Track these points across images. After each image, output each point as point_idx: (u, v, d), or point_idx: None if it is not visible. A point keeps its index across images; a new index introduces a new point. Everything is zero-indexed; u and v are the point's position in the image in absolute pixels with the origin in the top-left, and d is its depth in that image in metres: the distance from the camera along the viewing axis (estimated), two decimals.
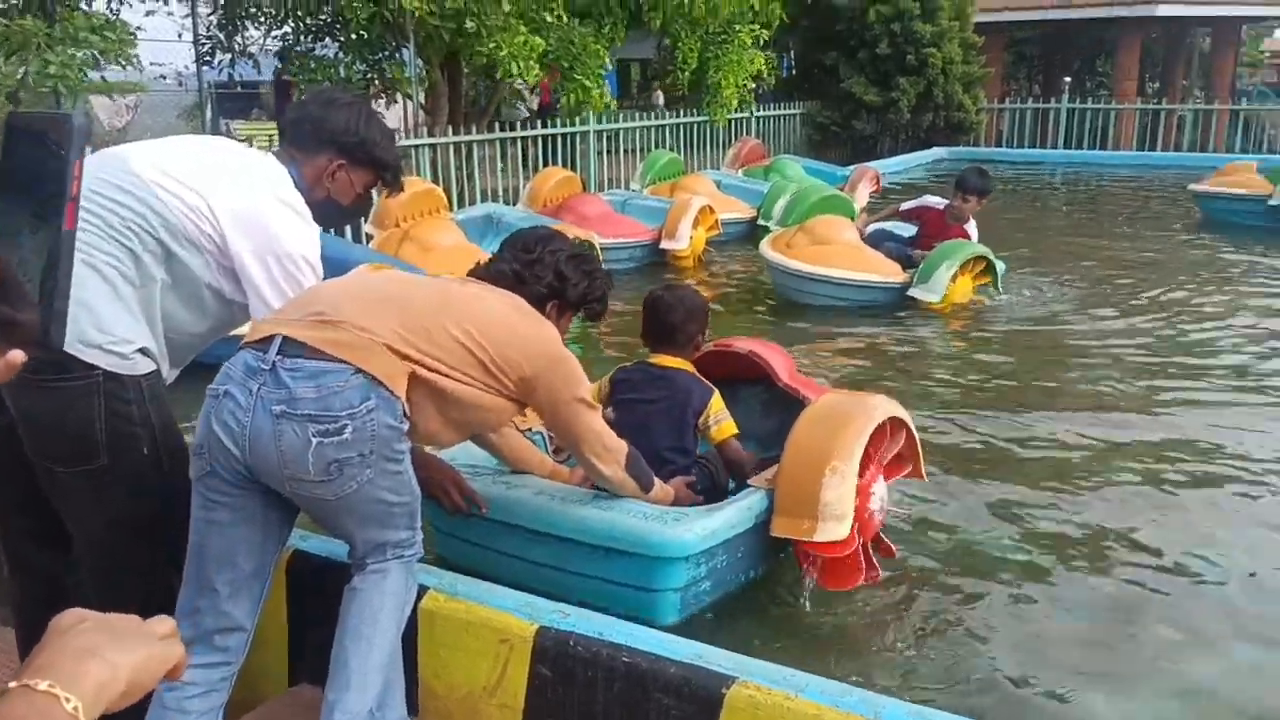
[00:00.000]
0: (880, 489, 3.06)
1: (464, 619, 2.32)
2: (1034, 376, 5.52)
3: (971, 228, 6.99)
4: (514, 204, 9.16)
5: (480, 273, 2.51)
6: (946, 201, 6.99)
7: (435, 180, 9.30)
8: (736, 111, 13.55)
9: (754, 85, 13.77)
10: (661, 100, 17.23)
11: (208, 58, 11.35)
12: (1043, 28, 20.38)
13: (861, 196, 11.68)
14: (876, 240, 7.19)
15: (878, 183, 12.02)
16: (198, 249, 2.16)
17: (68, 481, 2.09)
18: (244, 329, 2.24)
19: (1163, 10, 17.38)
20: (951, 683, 2.77)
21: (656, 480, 2.80)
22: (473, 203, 9.50)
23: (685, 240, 8.25)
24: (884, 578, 3.11)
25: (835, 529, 2.84)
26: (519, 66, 8.67)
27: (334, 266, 6.25)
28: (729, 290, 7.50)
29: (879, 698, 1.95)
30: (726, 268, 8.69)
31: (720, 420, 3.22)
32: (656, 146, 12.39)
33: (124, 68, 7.82)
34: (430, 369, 2.10)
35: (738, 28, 11.93)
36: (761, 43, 12.38)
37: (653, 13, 10.94)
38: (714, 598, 2.93)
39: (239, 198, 2.20)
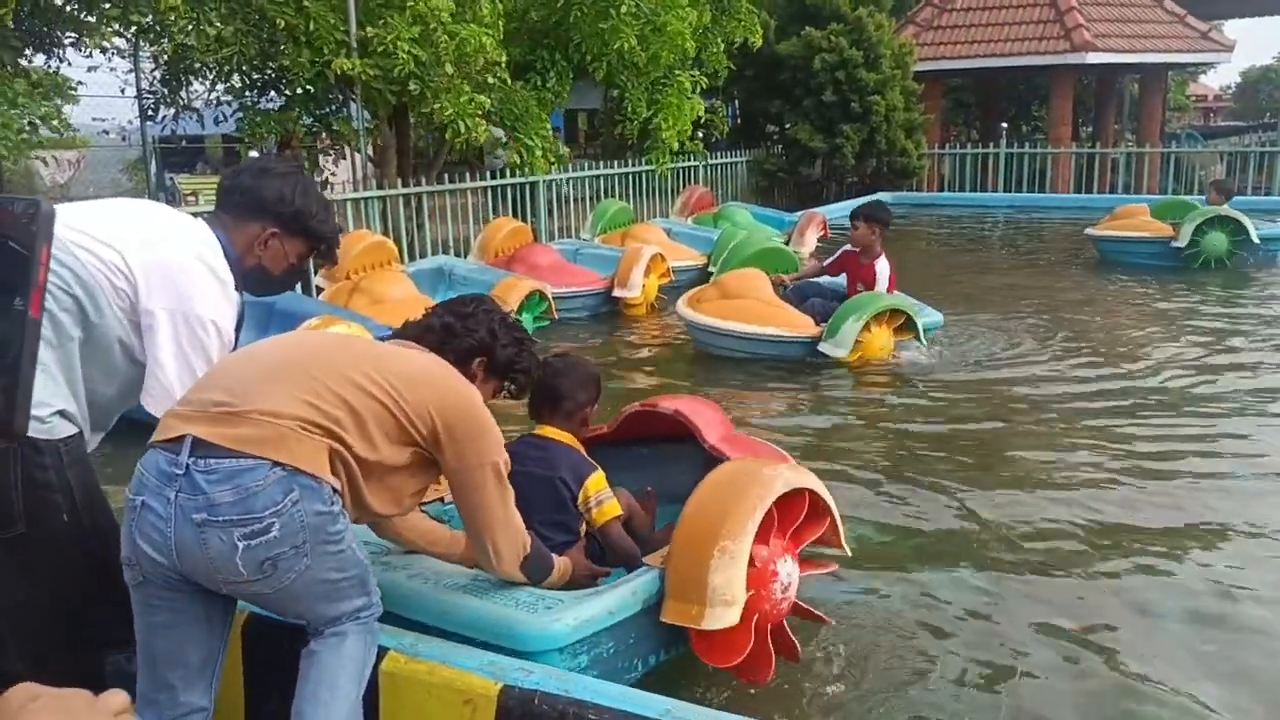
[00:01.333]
0: (787, 568, 2.83)
1: (426, 680, 2.28)
2: (972, 427, 5.52)
3: (883, 266, 6.83)
4: (465, 255, 9.17)
5: (409, 329, 2.48)
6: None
7: (385, 232, 9.28)
8: (680, 158, 13.70)
9: (701, 134, 13.95)
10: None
11: (150, 112, 11.25)
12: (978, 75, 20.93)
13: (810, 241, 11.86)
14: (803, 293, 7.13)
15: (825, 228, 12.23)
16: (111, 305, 2.12)
17: None
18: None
19: (1092, 58, 17.91)
20: None
21: (555, 559, 2.65)
22: (423, 254, 9.50)
23: (638, 288, 8.32)
24: (843, 632, 3.07)
25: (724, 615, 2.61)
26: (466, 125, 8.71)
27: (285, 319, 6.19)
28: (683, 339, 7.53)
29: None
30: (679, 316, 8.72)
31: (602, 501, 2.97)
32: (606, 195, 12.48)
33: (61, 134, 7.73)
34: (342, 443, 2.04)
35: (678, 73, 12.06)
36: (701, 89, 12.53)
37: (595, 64, 11.07)
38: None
39: (156, 253, 2.17)
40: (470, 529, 2.40)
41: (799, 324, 6.70)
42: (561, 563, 2.67)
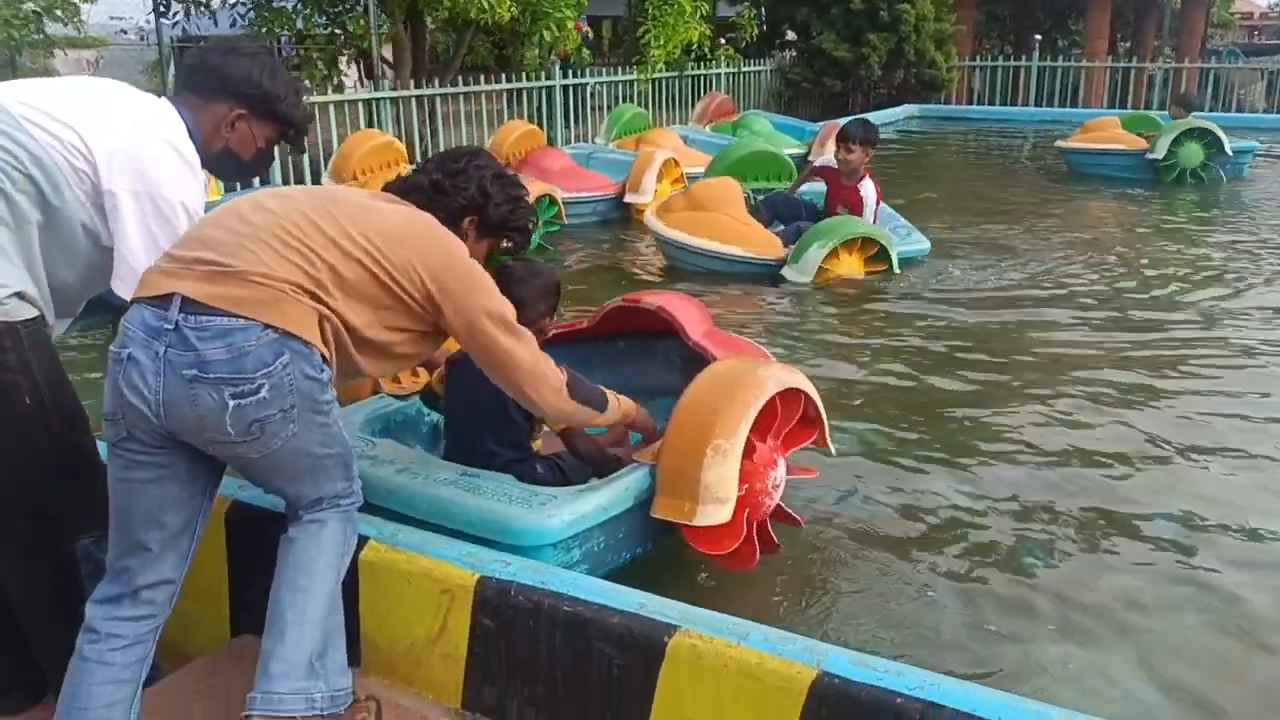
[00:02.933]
0: (778, 466, 2.87)
1: (404, 569, 2.27)
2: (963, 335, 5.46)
3: (868, 190, 6.52)
4: None
5: (394, 185, 2.38)
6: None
7: (399, 136, 9.15)
8: (704, 65, 13.35)
9: (726, 39, 13.59)
10: None
11: (163, 8, 11.05)
12: None
13: (830, 152, 11.59)
14: (775, 208, 6.83)
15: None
16: (71, 187, 2.05)
17: None
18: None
19: None
20: (897, 634, 2.78)
21: (610, 395, 2.62)
22: None
23: (650, 194, 8.16)
24: (815, 534, 3.08)
25: (716, 512, 2.66)
26: (487, 3, 8.46)
27: None
28: None
29: (822, 645, 1.92)
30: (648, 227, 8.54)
31: None
32: (625, 102, 12.23)
33: (65, 24, 7.59)
34: (331, 307, 2.00)
35: None
36: (701, 14, 12.11)
37: None
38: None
39: (118, 134, 2.09)
40: (507, 386, 2.34)
41: (765, 245, 6.43)
42: (621, 400, 2.65)
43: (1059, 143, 11.21)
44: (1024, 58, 17.85)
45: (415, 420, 3.36)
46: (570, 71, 11.76)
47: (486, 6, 8.54)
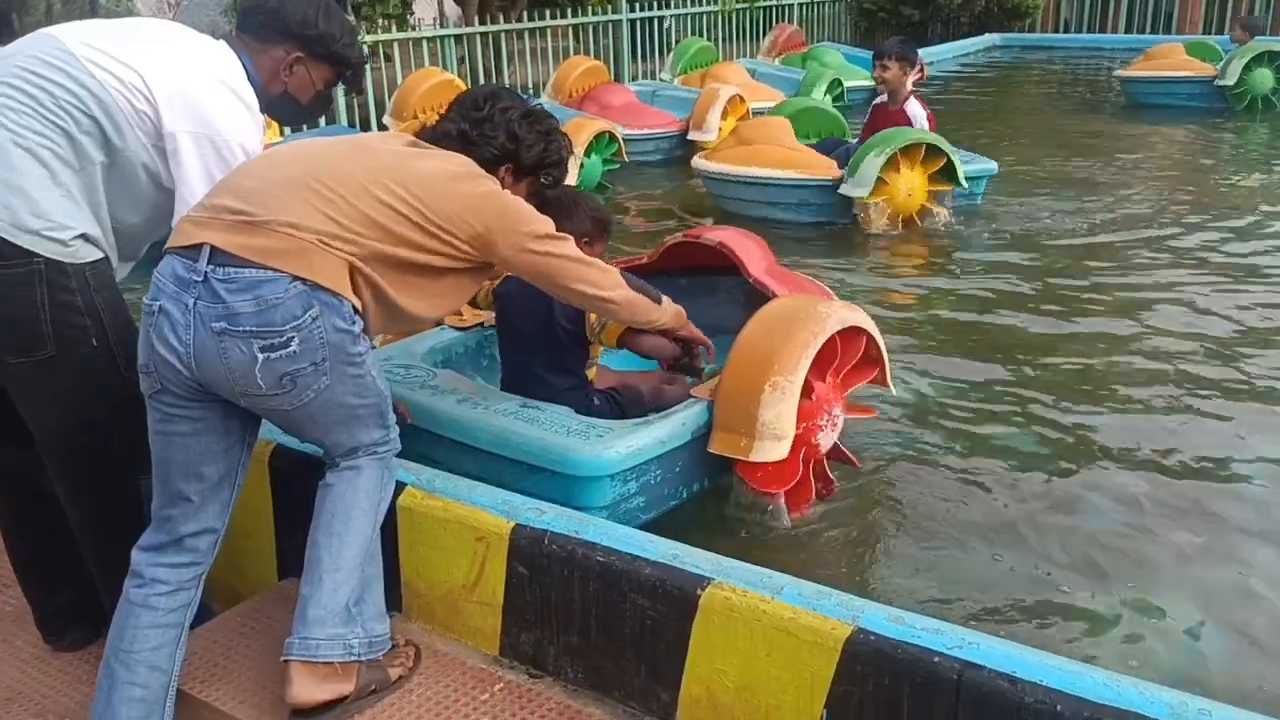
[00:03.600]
0: (837, 406, 2.87)
1: (440, 516, 2.26)
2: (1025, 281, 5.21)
3: (916, 110, 6.07)
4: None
5: (425, 133, 2.33)
6: None
7: (463, 75, 9.08)
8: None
9: None
10: None
11: None
12: None
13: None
14: (825, 150, 6.46)
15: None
16: (133, 129, 2.04)
17: (18, 373, 2.03)
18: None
19: None
20: (935, 586, 2.71)
21: (664, 298, 2.65)
22: None
23: (714, 131, 7.92)
24: (871, 476, 3.03)
25: (773, 449, 2.66)
26: None
27: None
28: None
29: (858, 600, 1.86)
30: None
31: (606, 323, 2.87)
32: (694, 35, 11.96)
33: None
34: (366, 255, 1.97)
35: None
36: None
37: None
38: (653, 514, 2.74)
39: (178, 76, 2.08)
40: (569, 296, 2.35)
41: (819, 166, 6.09)
42: (670, 305, 2.67)
43: (1118, 71, 10.66)
44: None
45: (476, 352, 3.41)
46: (639, 5, 11.54)
47: None
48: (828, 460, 2.95)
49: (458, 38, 9.48)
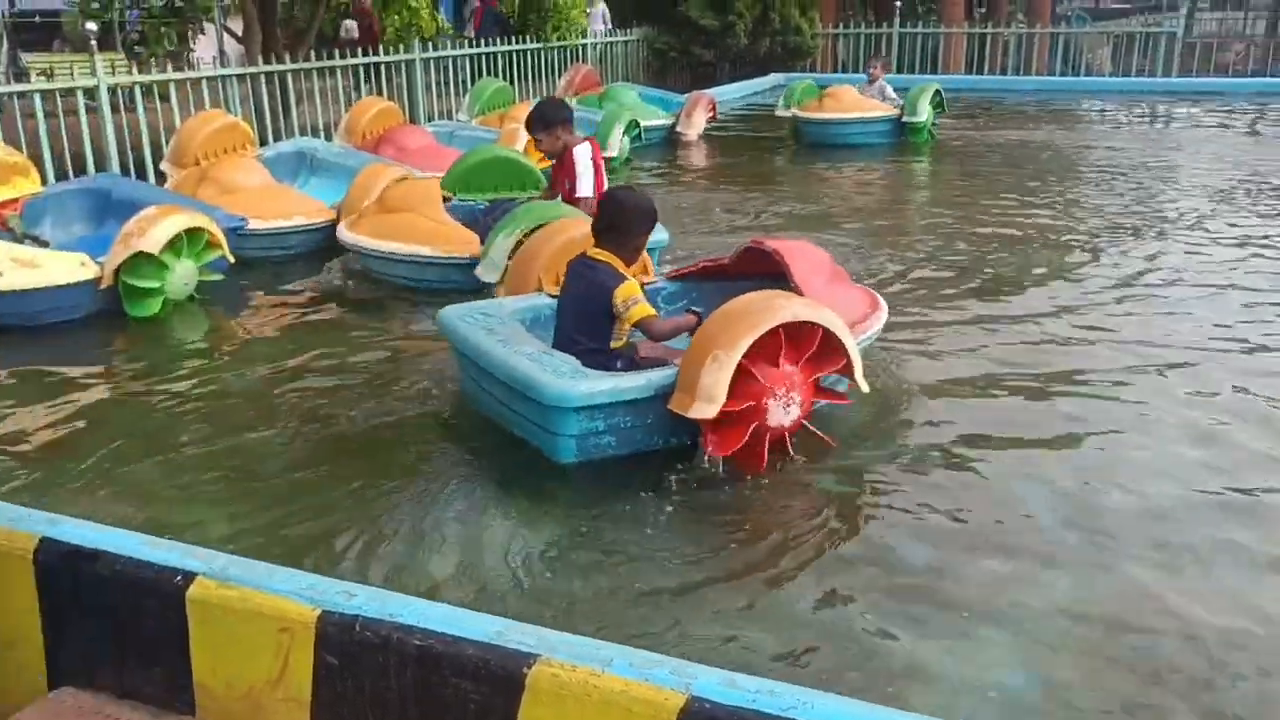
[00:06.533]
0: (795, 390, 3.36)
1: (238, 608, 2.06)
2: None
3: (581, 151, 5.48)
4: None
5: None
6: None
7: (248, 117, 8.65)
8: (569, 36, 13.10)
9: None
10: (355, 32, 15.23)
11: None
12: None
13: (698, 123, 11.55)
14: (472, 213, 5.94)
15: (713, 109, 11.91)
16: None
17: None
18: None
19: None
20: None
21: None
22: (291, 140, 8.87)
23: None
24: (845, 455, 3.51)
25: (705, 409, 3.23)
26: None
27: (124, 209, 5.65)
28: None
29: (690, 666, 1.80)
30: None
31: (633, 304, 3.58)
32: (488, 76, 11.88)
33: None
34: None
35: None
36: None
37: None
38: (623, 452, 3.40)
39: None
40: None
41: (462, 243, 5.57)
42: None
43: (794, 112, 11.25)
44: (884, 24, 18.10)
45: (551, 318, 3.96)
46: (431, 45, 11.37)
47: None
48: (803, 434, 3.48)
49: (240, 77, 9.04)
